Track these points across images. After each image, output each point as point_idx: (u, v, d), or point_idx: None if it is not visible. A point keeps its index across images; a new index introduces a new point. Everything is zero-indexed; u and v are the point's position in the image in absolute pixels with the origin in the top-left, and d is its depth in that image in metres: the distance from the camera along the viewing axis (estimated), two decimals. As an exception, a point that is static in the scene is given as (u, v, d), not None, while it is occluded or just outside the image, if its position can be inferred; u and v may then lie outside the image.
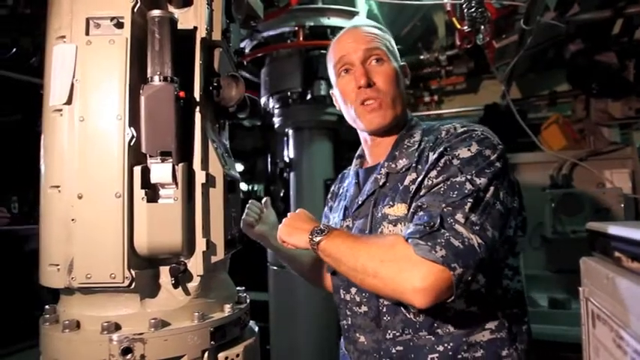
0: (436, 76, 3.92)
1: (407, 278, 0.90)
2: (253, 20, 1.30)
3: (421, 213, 0.96)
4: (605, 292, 0.52)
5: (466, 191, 0.95)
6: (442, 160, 1.02)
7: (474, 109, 3.86)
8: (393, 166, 1.15)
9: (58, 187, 0.91)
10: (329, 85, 2.89)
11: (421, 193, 1.01)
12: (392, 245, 0.96)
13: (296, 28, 2.79)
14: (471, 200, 0.94)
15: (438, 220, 0.92)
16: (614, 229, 0.53)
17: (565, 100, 3.48)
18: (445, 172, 1.00)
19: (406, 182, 1.09)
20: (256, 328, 1.14)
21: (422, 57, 3.81)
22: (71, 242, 0.89)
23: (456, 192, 0.95)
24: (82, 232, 0.88)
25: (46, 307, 0.98)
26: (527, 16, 2.18)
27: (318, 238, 1.04)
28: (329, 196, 1.49)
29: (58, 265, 0.90)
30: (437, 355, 1.03)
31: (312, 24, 2.78)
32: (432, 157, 1.04)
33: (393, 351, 1.08)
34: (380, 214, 1.10)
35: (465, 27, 2.30)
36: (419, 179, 1.04)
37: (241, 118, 1.17)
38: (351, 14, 2.83)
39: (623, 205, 2.54)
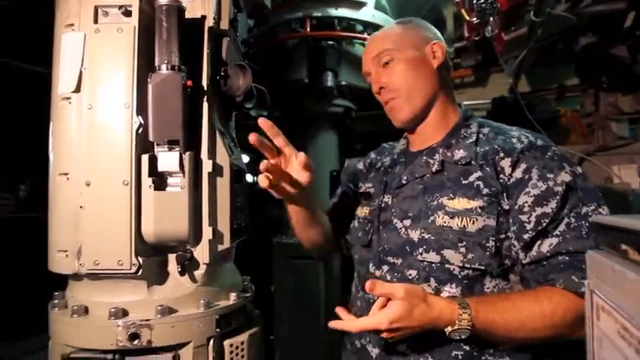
0: (444, 68, 3.89)
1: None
2: (261, 10, 1.30)
3: (575, 261, 0.96)
4: (611, 284, 0.52)
5: None
6: (541, 184, 1.01)
7: (482, 102, 3.83)
8: (449, 154, 1.13)
9: (66, 174, 0.92)
10: (336, 77, 2.91)
11: (543, 228, 0.99)
12: (567, 309, 0.94)
13: (303, 19, 2.77)
14: None
15: None
16: (621, 222, 0.53)
17: (574, 94, 3.44)
18: (565, 202, 0.99)
19: (471, 179, 1.07)
20: (261, 317, 1.15)
21: (430, 49, 3.77)
22: (79, 229, 0.90)
23: None
24: (90, 219, 0.89)
25: (55, 293, 1.00)
26: (538, 7, 2.15)
27: (467, 332, 0.93)
28: (367, 162, 1.41)
29: (66, 251, 0.91)
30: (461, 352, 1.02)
31: (319, 14, 2.76)
32: (515, 173, 1.04)
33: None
34: (435, 203, 1.08)
35: (474, 19, 2.28)
36: (518, 203, 1.02)
37: (248, 108, 1.17)
38: (359, 5, 2.81)
39: (631, 199, 2.51)
